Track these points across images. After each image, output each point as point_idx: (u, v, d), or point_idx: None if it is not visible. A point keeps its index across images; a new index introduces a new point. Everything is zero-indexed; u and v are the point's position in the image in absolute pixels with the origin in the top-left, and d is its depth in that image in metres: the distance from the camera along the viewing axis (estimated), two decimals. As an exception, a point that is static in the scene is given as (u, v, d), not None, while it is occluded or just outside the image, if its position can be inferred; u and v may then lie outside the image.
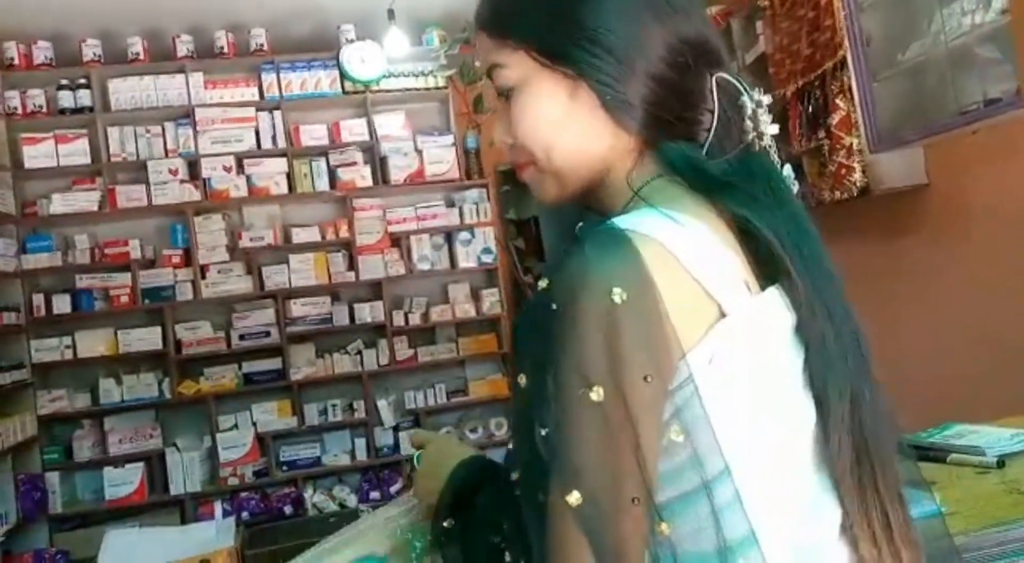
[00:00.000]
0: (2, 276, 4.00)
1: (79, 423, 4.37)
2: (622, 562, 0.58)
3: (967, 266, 2.78)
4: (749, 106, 0.71)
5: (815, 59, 3.20)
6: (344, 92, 4.72)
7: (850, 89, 3.02)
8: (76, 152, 4.39)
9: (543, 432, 0.59)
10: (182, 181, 4.48)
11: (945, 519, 0.86)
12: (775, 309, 0.65)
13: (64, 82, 4.40)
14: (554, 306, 0.59)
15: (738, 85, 0.72)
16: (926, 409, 1.75)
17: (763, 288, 0.66)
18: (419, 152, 4.75)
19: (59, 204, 4.34)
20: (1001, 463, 1.26)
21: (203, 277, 4.48)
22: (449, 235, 4.79)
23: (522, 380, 0.62)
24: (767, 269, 0.66)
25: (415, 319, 4.70)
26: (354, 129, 4.71)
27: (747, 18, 3.80)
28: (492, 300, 4.76)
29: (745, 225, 0.66)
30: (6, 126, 4.26)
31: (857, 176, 3.01)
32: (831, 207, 3.23)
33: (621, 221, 0.62)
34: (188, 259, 4.49)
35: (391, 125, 4.78)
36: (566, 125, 0.71)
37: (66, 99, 4.40)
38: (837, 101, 3.09)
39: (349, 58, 4.64)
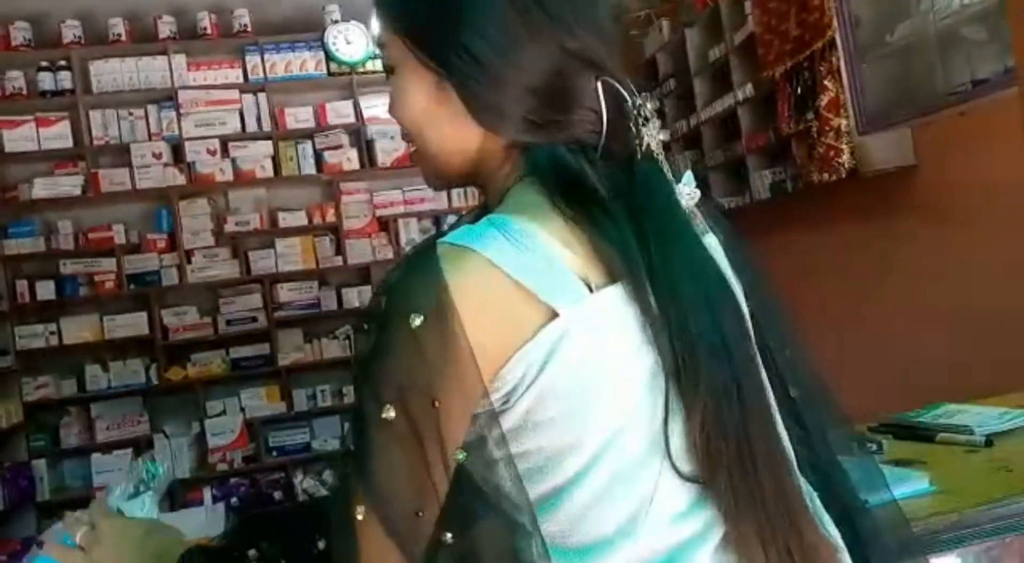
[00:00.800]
0: (-16, 262, 3.95)
1: (66, 410, 4.34)
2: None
3: (955, 246, 2.78)
4: (632, 112, 0.70)
5: (804, 40, 3.19)
6: (329, 74, 4.66)
7: (838, 70, 3.02)
8: (57, 136, 4.33)
9: (351, 446, 0.63)
10: (166, 165, 4.43)
11: (900, 507, 0.84)
12: (615, 306, 0.64)
13: (44, 64, 4.33)
14: (365, 326, 0.64)
15: (621, 90, 0.71)
16: (914, 389, 1.75)
17: (612, 282, 0.65)
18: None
19: (41, 189, 4.29)
20: (989, 442, 1.27)
21: (188, 262, 4.44)
22: (437, 219, 4.76)
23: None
24: (613, 271, 0.65)
25: (403, 303, 4.68)
26: (340, 111, 4.66)
27: (735, -2, 3.78)
28: (481, 284, 4.76)
29: (588, 229, 0.65)
30: (-15, 110, 4.19)
31: (845, 158, 3.02)
32: (819, 189, 3.23)
33: (455, 235, 0.64)
34: (173, 244, 4.45)
35: (378, 107, 4.73)
36: (434, 117, 0.72)
37: (46, 81, 4.33)
38: (825, 82, 3.08)
39: (334, 39, 4.59)
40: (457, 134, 0.71)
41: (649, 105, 0.71)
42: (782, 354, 0.76)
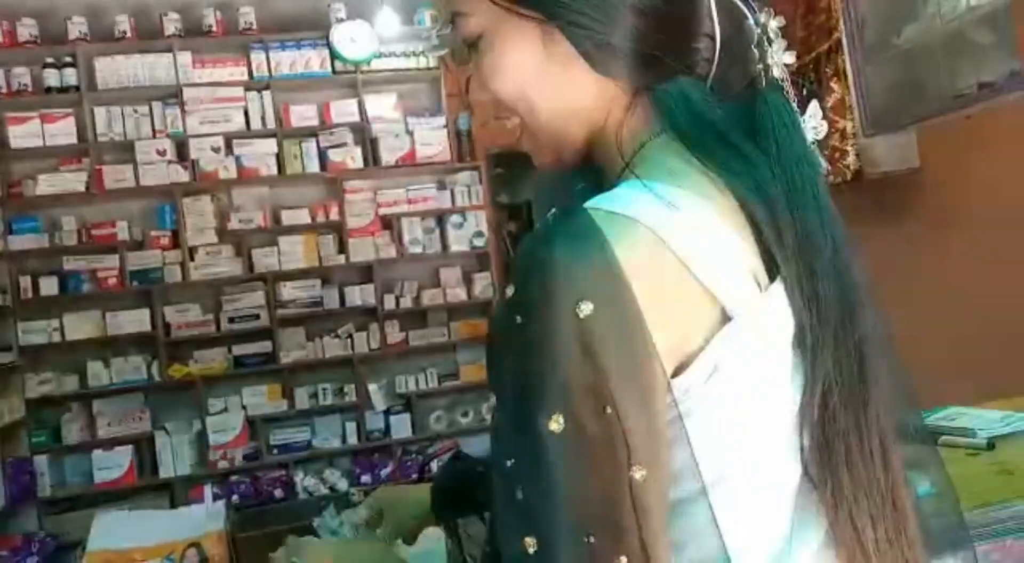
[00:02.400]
0: (-12, 257, 3.96)
1: (67, 406, 4.34)
2: None
3: (960, 249, 2.77)
4: (755, 31, 0.61)
5: (810, 42, 3.18)
6: (334, 72, 4.67)
7: (844, 72, 3.01)
8: (62, 132, 4.34)
9: (508, 463, 0.52)
10: (170, 162, 4.43)
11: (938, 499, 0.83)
12: (782, 306, 0.56)
13: (49, 60, 4.34)
14: (518, 320, 0.52)
15: (741, 6, 0.62)
16: (918, 393, 1.74)
17: (772, 279, 0.56)
18: (410, 134, 4.71)
19: (45, 185, 4.29)
20: (991, 445, 1.26)
21: (192, 259, 4.45)
22: (440, 218, 4.76)
23: (492, 401, 0.56)
24: (774, 258, 0.56)
25: (406, 303, 4.68)
26: (344, 110, 4.66)
27: (742, 0, 3.77)
28: (484, 284, 4.75)
29: (746, 205, 0.56)
30: (-10, 105, 4.20)
31: (851, 160, 3.00)
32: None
33: (603, 201, 0.54)
34: (176, 241, 4.45)
35: (382, 106, 4.73)
36: (542, 78, 0.62)
37: (52, 78, 4.34)
38: (831, 84, 3.07)
39: (340, 38, 4.59)
40: (571, 89, 0.62)
41: (774, 22, 0.61)
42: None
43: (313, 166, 4.62)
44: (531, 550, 0.50)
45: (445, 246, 4.75)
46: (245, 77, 4.57)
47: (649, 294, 0.51)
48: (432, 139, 4.73)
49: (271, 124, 4.58)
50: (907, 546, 0.61)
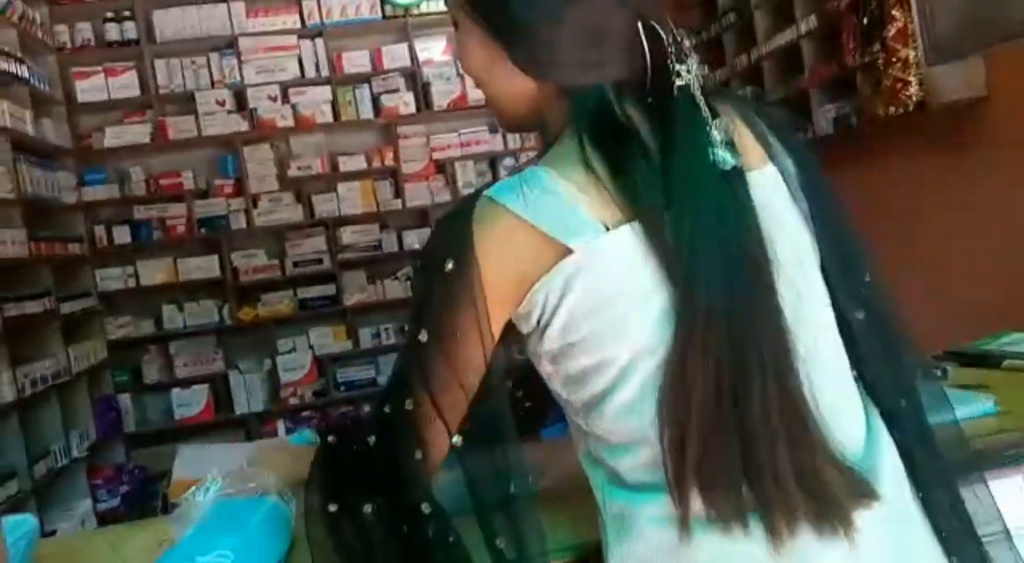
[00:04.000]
0: (65, 208, 4.15)
1: (145, 348, 4.59)
2: (419, 461, 0.74)
3: (1025, 180, 2.73)
4: (669, 50, 0.73)
5: (871, -32, 3.09)
6: (384, 17, 4.69)
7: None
8: (125, 85, 4.47)
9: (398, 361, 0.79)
10: (229, 112, 4.54)
11: (961, 427, 0.86)
12: (629, 243, 0.70)
13: (110, 15, 4.45)
14: (417, 265, 0.77)
15: (659, 29, 0.74)
16: (982, 321, 1.77)
17: (627, 221, 0.70)
18: (461, 77, 4.72)
19: (112, 137, 4.45)
20: (1056, 368, 1.29)
21: (255, 207, 4.59)
22: (493, 161, 4.81)
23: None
24: (636, 210, 0.70)
25: (462, 244, 4.77)
26: (396, 55, 4.70)
27: (799, -74, 3.66)
28: (537, 224, 4.81)
29: (612, 173, 0.70)
30: (57, 61, 4.33)
31: (913, 90, 2.94)
32: (885, 123, 3.17)
33: (491, 189, 0.73)
34: (240, 189, 4.59)
35: (433, 50, 4.75)
36: (490, 68, 0.78)
37: (113, 31, 4.45)
38: (893, 12, 2.99)
39: (389, -19, 4.59)
40: (512, 83, 0.77)
41: (686, 42, 0.75)
42: (848, 279, 0.78)
43: (367, 112, 4.68)
44: (385, 410, 0.76)
45: (498, 188, 4.79)
46: (298, 25, 4.62)
47: (499, 250, 0.71)
48: (483, 81, 4.74)
49: (324, 71, 4.64)
50: (806, 487, 0.68)
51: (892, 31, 3.00)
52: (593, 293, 0.70)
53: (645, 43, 0.73)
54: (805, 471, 0.67)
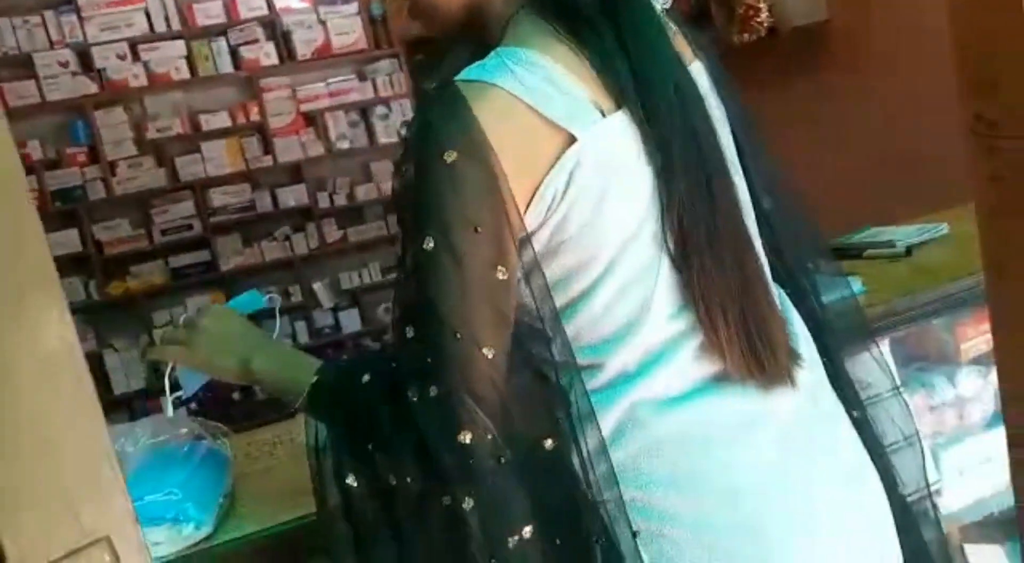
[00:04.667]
0: None
1: (7, 334, 4.27)
2: (441, 382, 0.67)
3: (871, 92, 2.98)
4: None
5: (719, -101, 3.22)
6: (235, -36, 4.45)
7: (755, -71, 3.08)
8: (-53, 49, 4.06)
9: (403, 277, 0.71)
10: (74, 73, 4.22)
11: (859, 300, 0.98)
12: (623, 129, 0.71)
13: (-82, -29, 4.00)
14: (404, 169, 0.69)
15: None
16: (841, 221, 1.94)
17: (618, 108, 0.71)
18: (323, 23, 4.58)
19: (-60, 108, 4.05)
20: (909, 251, 1.47)
21: (113, 174, 4.32)
22: (364, 111, 4.72)
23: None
24: (614, 95, 0.71)
25: (340, 200, 4.69)
26: (252, 3, 4.48)
27: None
28: (415, 173, 4.77)
29: (590, 55, 0.71)
30: None
31: (764, 16, 3.13)
32: (740, 53, 3.35)
33: (469, 72, 0.68)
34: (94, 156, 4.30)
35: (290, -3, 4.57)
36: None
37: (-75, -10, 4.01)
38: (743, -58, 3.15)
39: (235, -74, 4.36)
40: None
41: None
42: (758, 168, 0.85)
43: (226, 66, 4.47)
44: (409, 335, 0.69)
45: (372, 139, 4.73)
46: (141, -24, 4.32)
47: (505, 140, 0.67)
48: (347, 27, 4.62)
49: (176, 25, 4.38)
50: (762, 344, 0.75)
51: (742, -39, 3.15)
52: (592, 185, 0.69)
53: None
54: (772, 334, 0.76)
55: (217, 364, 0.89)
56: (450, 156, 0.66)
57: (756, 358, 0.75)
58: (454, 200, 0.66)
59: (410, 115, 4.43)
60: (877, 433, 0.88)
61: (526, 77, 0.68)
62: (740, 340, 0.75)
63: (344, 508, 0.73)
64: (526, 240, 0.70)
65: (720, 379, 0.75)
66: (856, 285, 1.32)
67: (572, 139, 0.68)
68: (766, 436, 0.75)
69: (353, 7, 4.64)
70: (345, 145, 4.67)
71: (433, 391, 0.67)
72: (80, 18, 4.21)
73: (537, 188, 0.69)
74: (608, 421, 0.73)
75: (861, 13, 2.96)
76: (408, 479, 0.69)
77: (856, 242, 1.58)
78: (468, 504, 0.67)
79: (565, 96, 0.69)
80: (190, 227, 4.48)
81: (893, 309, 1.23)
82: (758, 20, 3.13)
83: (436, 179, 0.66)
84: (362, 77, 4.72)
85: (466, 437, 0.66)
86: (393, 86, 4.70)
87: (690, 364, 0.75)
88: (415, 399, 0.68)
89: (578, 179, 0.69)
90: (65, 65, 4.20)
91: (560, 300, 0.73)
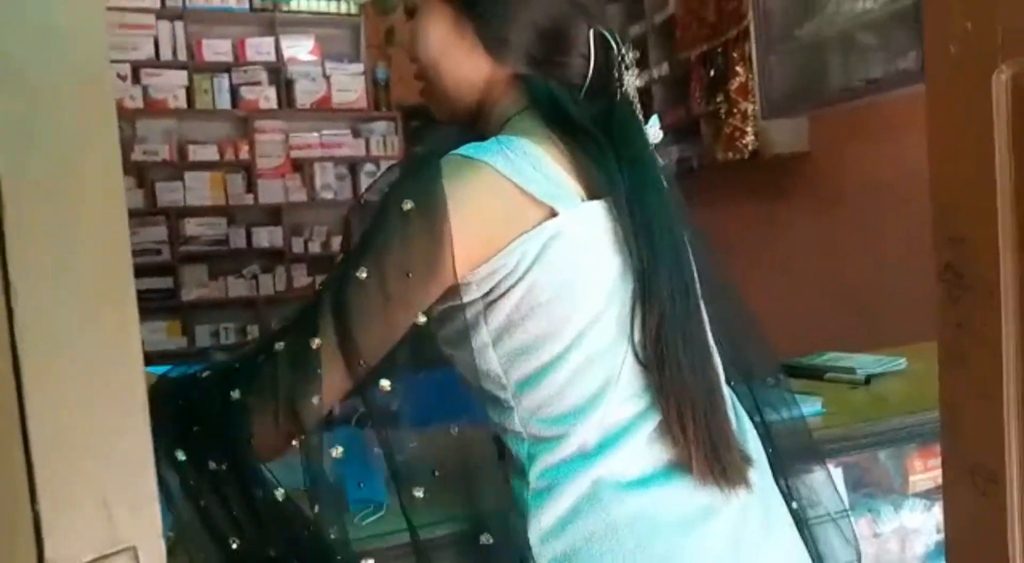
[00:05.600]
0: None
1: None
2: (316, 405, 0.69)
3: (839, 226, 3.13)
4: (616, 59, 0.81)
5: (720, 26, 3.44)
6: (252, 9, 4.58)
7: (750, 58, 3.28)
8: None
9: (321, 291, 0.72)
10: (72, 85, 4.23)
11: (816, 420, 1.02)
12: (600, 216, 0.75)
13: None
14: (363, 200, 0.75)
15: (610, 39, 0.81)
16: (799, 347, 2.02)
17: (595, 199, 0.76)
18: (327, 78, 4.69)
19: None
20: (868, 380, 1.53)
21: (91, 188, 4.28)
22: (353, 166, 4.79)
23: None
24: (597, 190, 0.76)
25: (315, 247, 4.71)
26: (260, 48, 4.59)
27: (660, -21, 3.99)
28: (393, 233, 4.82)
29: (578, 153, 0.76)
30: None
31: (749, 139, 3.30)
32: (723, 169, 3.52)
33: (467, 148, 0.73)
34: (76, 168, 4.27)
35: (300, 49, 4.69)
36: (450, 51, 0.81)
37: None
38: (737, 68, 3.35)
39: (260, -27, 4.50)
40: (469, 65, 0.81)
41: (630, 55, 0.82)
42: (712, 282, 0.88)
43: (224, 102, 4.54)
44: (314, 345, 0.69)
45: (357, 193, 4.79)
46: (157, 4, 4.41)
47: (477, 204, 0.70)
48: (349, 85, 4.74)
49: (182, 56, 4.46)
50: (723, 448, 0.79)
51: (735, 85, 3.35)
52: (565, 258, 0.73)
53: (597, 51, 0.80)
54: (730, 437, 0.79)
55: None
56: (407, 205, 0.70)
57: (718, 460, 0.78)
58: (398, 244, 0.70)
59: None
60: (820, 552, 0.91)
61: (516, 159, 0.73)
62: (705, 442, 0.77)
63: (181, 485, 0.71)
64: (489, 305, 0.73)
65: (675, 466, 0.78)
66: (816, 406, 1.38)
67: (553, 213, 0.73)
68: (718, 529, 0.77)
69: (359, 67, 4.77)
70: (329, 195, 4.72)
71: (316, 400, 0.69)
72: (90, 34, 4.25)
73: (505, 248, 0.72)
74: (567, 498, 0.74)
75: (840, 150, 3.15)
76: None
77: (818, 364, 1.64)
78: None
79: (549, 181, 0.73)
80: (158, 252, 4.44)
81: (849, 434, 1.28)
82: (743, 142, 3.30)
83: (389, 220, 0.70)
84: (356, 134, 4.81)
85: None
86: (386, 147, 4.80)
87: (646, 447, 0.77)
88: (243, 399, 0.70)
89: (553, 249, 0.72)
90: (65, 76, 4.22)
91: (525, 368, 0.75)
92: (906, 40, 2.62)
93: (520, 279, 0.72)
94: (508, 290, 0.73)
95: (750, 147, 3.29)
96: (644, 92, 3.83)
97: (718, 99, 3.48)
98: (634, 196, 0.77)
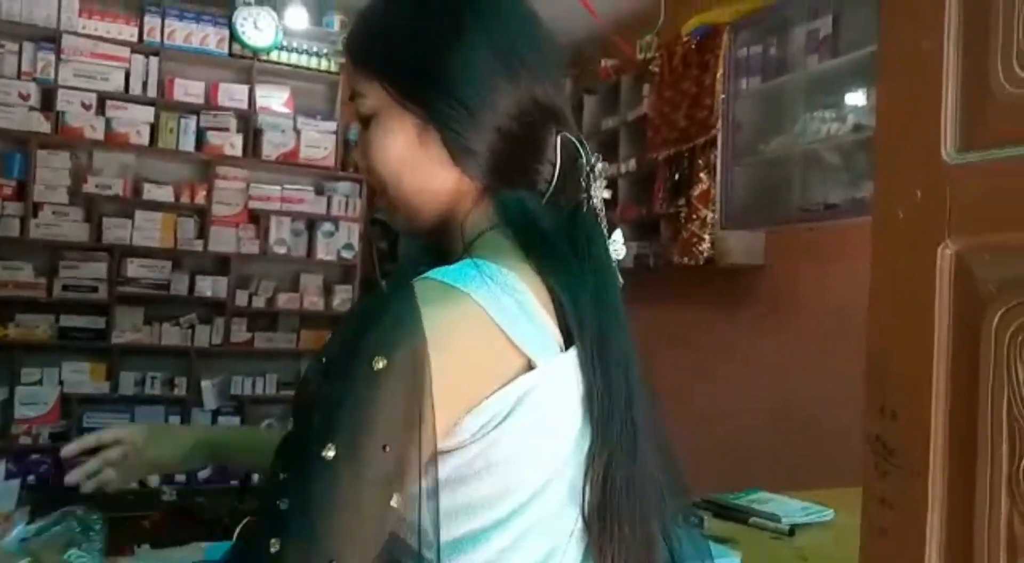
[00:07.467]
0: None
1: None
2: None
3: (787, 345, 3.10)
4: (585, 168, 0.75)
5: (689, 132, 3.47)
6: (231, 54, 4.54)
7: (714, 167, 3.30)
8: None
9: (281, 476, 0.60)
10: (32, 108, 4.13)
11: None
12: (572, 367, 0.68)
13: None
14: (324, 361, 0.63)
15: (579, 147, 0.76)
16: (735, 470, 1.94)
17: (567, 347, 0.69)
18: (297, 132, 4.64)
19: None
20: (792, 531, 1.45)
21: (35, 215, 4.14)
22: (312, 223, 4.70)
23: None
24: (569, 330, 0.70)
25: (259, 302, 4.56)
26: (233, 94, 4.54)
27: (636, 78, 4.05)
28: (344, 297, 4.71)
29: (555, 288, 0.69)
30: None
31: (705, 247, 3.29)
32: (678, 270, 3.49)
33: (446, 273, 0.65)
34: (21, 193, 4.13)
35: (273, 99, 4.65)
36: (413, 163, 0.73)
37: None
38: (701, 175, 3.36)
39: (243, 21, 4.48)
40: (434, 177, 0.74)
41: (600, 165, 0.77)
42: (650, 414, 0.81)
43: (188, 144, 4.44)
44: (273, 550, 0.57)
45: (311, 252, 4.69)
46: (135, 38, 4.35)
47: (458, 346, 0.62)
48: (319, 142, 4.69)
49: (152, 92, 4.38)
50: None
51: (697, 191, 3.36)
52: (532, 418, 0.65)
53: (564, 158, 0.75)
54: None
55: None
56: (379, 363, 0.59)
57: None
58: (369, 412, 0.59)
59: (356, 239, 4.48)
60: None
61: (500, 294, 0.65)
62: None
63: None
64: (433, 459, 0.63)
65: None
66: (736, 559, 1.29)
67: (530, 366, 0.65)
68: None
69: (331, 125, 4.74)
70: (282, 250, 4.61)
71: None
72: (58, 58, 4.17)
73: (479, 405, 0.63)
74: None
75: (795, 267, 3.14)
76: None
77: (743, 505, 1.56)
78: None
79: (532, 323, 0.66)
80: (95, 289, 4.26)
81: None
82: (699, 248, 3.29)
83: (357, 383, 0.59)
84: (319, 191, 4.74)
85: None
86: (347, 209, 4.72)
87: None
88: None
89: (525, 407, 0.64)
90: (26, 98, 4.12)
91: (461, 529, 0.65)
92: (867, 169, 2.64)
93: (483, 437, 0.64)
94: (464, 445, 0.63)
95: (705, 254, 3.28)
96: (611, 183, 3.85)
97: (680, 203, 3.49)
98: (600, 336, 0.69)
